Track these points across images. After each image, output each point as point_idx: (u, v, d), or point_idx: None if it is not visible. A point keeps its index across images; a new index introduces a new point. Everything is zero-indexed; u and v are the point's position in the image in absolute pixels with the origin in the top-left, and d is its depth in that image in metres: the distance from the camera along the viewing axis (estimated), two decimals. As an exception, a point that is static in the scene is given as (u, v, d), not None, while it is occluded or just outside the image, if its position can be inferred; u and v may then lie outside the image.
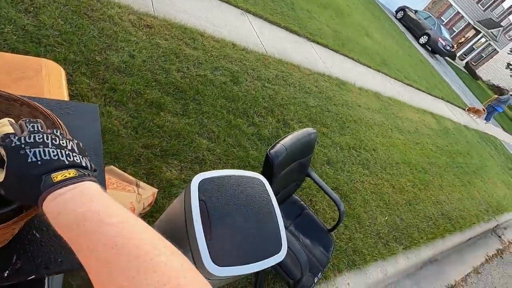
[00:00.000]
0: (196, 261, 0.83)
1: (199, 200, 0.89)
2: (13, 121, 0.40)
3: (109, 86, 1.94)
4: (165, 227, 1.11)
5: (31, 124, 0.38)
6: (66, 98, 1.12)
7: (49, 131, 0.38)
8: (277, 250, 0.95)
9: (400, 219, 3.12)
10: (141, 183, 1.46)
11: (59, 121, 0.52)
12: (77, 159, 0.35)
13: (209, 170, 2.01)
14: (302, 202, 1.77)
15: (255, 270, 0.87)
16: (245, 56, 3.32)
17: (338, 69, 4.89)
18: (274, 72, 3.48)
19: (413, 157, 4.40)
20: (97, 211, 0.29)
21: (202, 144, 2.09)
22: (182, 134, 2.05)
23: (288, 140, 1.36)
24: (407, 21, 13.64)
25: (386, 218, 2.96)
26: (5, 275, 0.56)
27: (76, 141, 0.38)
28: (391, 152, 4.05)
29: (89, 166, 0.36)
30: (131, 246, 0.27)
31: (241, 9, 4.06)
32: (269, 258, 0.90)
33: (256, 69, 3.26)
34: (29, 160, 0.32)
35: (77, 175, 0.33)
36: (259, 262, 0.88)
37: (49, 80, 1.21)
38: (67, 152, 0.35)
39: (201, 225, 0.85)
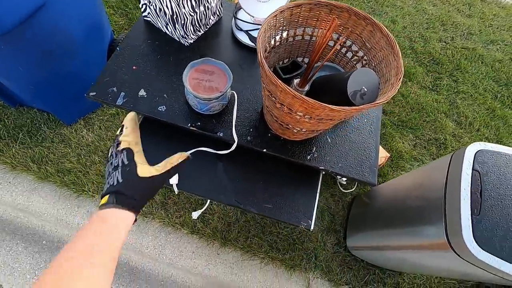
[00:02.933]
0: (452, 235, 0.74)
1: (472, 169, 0.77)
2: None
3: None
4: (403, 194, 1.07)
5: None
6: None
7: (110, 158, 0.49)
8: None
9: None
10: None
11: (394, 44, 0.57)
12: (107, 188, 0.45)
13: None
14: None
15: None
16: (544, 29, 2.36)
17: None
18: None
19: None
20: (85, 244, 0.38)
21: (447, 127, 1.79)
22: (426, 109, 1.83)
23: None
24: None
25: None
26: (308, 158, 0.74)
27: (118, 158, 0.47)
28: None
29: (115, 182, 0.44)
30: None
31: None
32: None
33: (559, 49, 2.26)
34: None
35: (104, 203, 0.43)
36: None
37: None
38: (107, 181, 0.46)
39: (469, 196, 0.73)
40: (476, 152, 0.79)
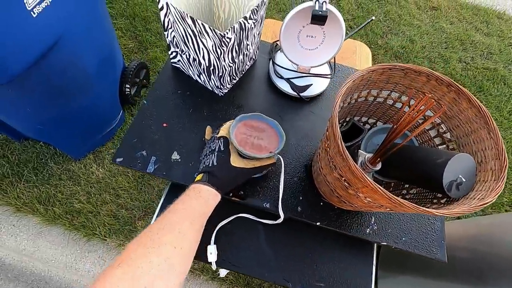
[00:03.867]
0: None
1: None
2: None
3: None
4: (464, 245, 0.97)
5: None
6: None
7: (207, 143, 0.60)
8: None
9: None
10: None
11: (482, 107, 0.48)
12: (203, 167, 0.54)
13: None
14: None
15: None
16: None
17: None
18: None
19: None
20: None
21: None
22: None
23: None
24: None
25: None
26: (368, 231, 0.64)
27: (216, 143, 0.55)
28: None
29: (210, 163, 0.53)
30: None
31: None
32: None
33: None
34: None
35: (199, 179, 0.51)
36: None
37: (360, 59, 1.32)
38: (203, 161, 0.55)
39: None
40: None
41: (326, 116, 0.77)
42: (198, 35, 0.61)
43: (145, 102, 0.72)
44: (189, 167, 0.66)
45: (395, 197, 0.39)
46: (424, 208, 0.40)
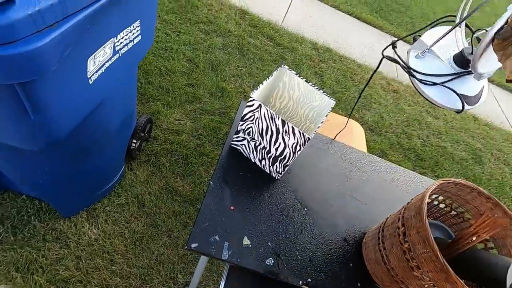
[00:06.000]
0: None
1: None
2: None
3: (367, 144, 2.20)
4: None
5: None
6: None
7: None
8: None
9: None
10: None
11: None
12: None
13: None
14: None
15: None
16: (488, 133, 2.91)
17: None
18: (527, 159, 2.83)
19: None
20: None
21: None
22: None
23: None
24: None
25: None
26: None
27: None
28: None
29: None
30: None
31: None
32: None
33: (502, 151, 2.77)
34: None
35: None
36: None
37: (357, 139, 1.52)
38: None
39: None
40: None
41: (369, 203, 0.87)
42: (282, 133, 0.69)
43: (211, 183, 0.74)
44: (259, 253, 0.68)
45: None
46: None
